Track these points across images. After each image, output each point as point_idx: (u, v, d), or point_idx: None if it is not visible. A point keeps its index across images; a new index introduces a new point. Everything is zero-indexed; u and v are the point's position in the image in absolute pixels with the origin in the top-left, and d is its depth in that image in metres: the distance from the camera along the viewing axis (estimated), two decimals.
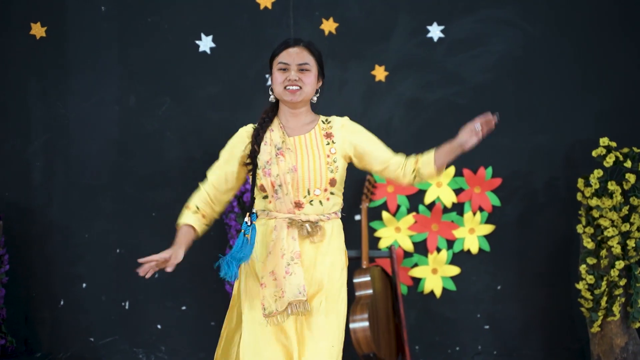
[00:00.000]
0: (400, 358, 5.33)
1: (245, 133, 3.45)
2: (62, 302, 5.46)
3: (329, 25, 5.57)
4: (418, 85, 5.63)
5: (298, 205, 3.35)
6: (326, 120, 3.50)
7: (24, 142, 5.46)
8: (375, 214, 5.56)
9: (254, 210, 3.41)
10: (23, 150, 5.46)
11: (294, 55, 3.41)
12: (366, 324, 5.05)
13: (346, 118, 3.53)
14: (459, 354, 5.63)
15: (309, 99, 3.45)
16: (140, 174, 5.51)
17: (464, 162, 5.59)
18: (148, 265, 3.26)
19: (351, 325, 5.07)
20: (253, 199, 3.43)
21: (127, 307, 5.48)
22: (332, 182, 3.39)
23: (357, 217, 5.47)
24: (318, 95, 3.49)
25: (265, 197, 3.38)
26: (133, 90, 5.51)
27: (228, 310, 3.51)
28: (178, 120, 5.53)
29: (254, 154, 3.37)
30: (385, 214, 5.55)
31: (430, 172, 3.44)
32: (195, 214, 3.40)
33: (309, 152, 3.39)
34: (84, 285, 5.47)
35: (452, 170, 5.56)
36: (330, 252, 3.40)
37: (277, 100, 3.48)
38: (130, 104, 5.51)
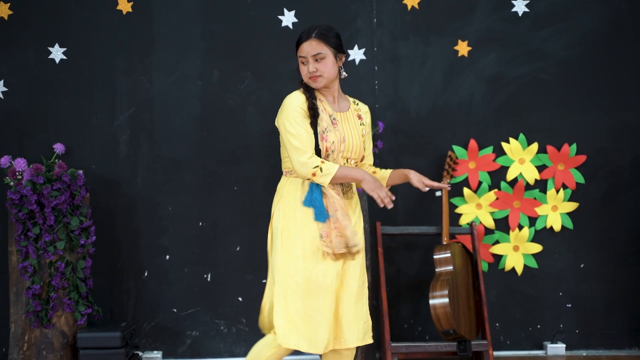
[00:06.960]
0: (480, 335, 5.30)
1: (299, 101, 3.79)
2: (146, 274, 5.56)
3: (411, 0, 5.53)
4: (501, 61, 5.56)
5: None
6: (355, 102, 3.96)
7: (110, 116, 5.56)
8: (456, 190, 5.53)
9: None
10: (109, 124, 5.55)
11: (308, 49, 3.78)
12: (446, 300, 5.03)
13: (367, 107, 4.01)
14: (540, 332, 5.58)
15: (332, 79, 3.82)
16: (222, 149, 5.57)
17: (547, 139, 5.52)
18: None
19: (431, 302, 5.06)
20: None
21: (209, 279, 5.56)
22: (362, 158, 3.92)
23: (438, 194, 5.45)
24: (343, 70, 3.86)
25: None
26: (216, 66, 5.56)
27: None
28: (260, 95, 5.56)
29: (315, 120, 3.76)
30: (466, 191, 5.52)
31: None
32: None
33: (350, 127, 3.84)
34: (167, 257, 5.56)
35: (535, 147, 5.49)
36: (357, 204, 3.92)
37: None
38: (213, 79, 5.56)
